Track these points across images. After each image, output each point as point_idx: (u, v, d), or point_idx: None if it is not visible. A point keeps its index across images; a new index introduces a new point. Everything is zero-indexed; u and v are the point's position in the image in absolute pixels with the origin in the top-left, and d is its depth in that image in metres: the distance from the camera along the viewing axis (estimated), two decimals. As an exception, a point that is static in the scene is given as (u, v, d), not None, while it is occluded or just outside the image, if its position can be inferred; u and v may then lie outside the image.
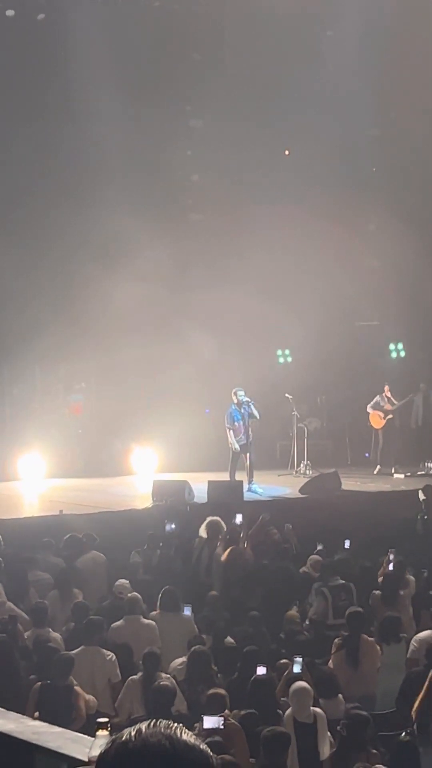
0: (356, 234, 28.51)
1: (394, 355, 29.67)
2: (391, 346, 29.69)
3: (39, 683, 10.69)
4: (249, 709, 9.89)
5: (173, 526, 17.13)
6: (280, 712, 10.13)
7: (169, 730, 2.36)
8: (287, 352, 30.16)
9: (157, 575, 15.11)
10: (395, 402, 25.96)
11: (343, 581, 14.61)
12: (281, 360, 30.17)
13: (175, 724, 2.40)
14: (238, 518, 16.92)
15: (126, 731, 2.40)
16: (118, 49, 26.35)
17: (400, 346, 29.59)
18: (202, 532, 16.61)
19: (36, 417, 26.03)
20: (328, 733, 9.89)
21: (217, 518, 16.73)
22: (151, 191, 27.69)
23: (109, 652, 11.67)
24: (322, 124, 27.10)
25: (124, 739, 2.37)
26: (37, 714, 9.74)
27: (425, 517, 19.17)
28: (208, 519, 16.77)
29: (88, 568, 15.32)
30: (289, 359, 30.04)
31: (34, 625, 12.60)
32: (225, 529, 16.51)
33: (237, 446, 22.22)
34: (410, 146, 28.19)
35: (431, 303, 29.26)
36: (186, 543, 16.62)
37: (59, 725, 5.02)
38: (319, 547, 16.47)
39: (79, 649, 11.57)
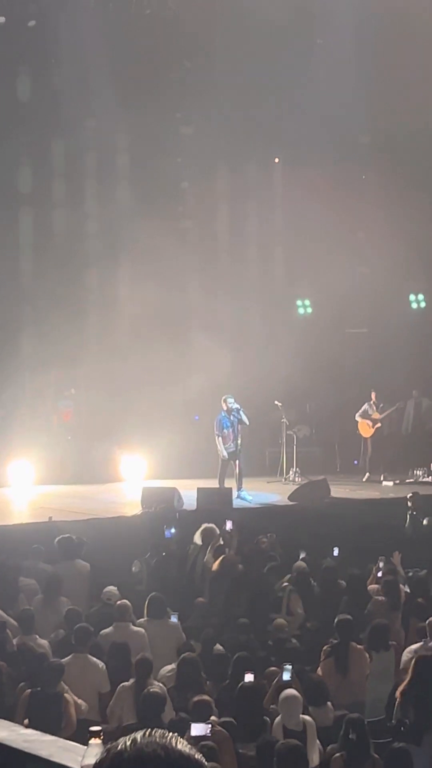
0: (346, 241, 28.56)
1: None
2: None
3: (29, 690, 10.68)
4: (236, 716, 9.89)
5: (173, 530, 17.13)
6: (267, 719, 10.14)
7: (164, 740, 2.37)
8: (281, 356, 30.19)
9: (152, 583, 15.09)
10: (384, 409, 25.98)
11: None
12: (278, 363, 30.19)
13: (171, 734, 2.41)
14: (228, 525, 16.91)
15: (121, 741, 2.41)
16: (108, 56, 26.36)
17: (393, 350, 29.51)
18: (197, 539, 16.61)
19: (25, 423, 25.98)
20: (318, 741, 9.90)
21: (212, 525, 16.74)
22: (144, 196, 27.71)
23: (98, 661, 11.66)
24: (312, 131, 27.13)
25: (119, 748, 2.38)
26: (26, 722, 9.73)
27: (414, 513, 19.28)
28: (204, 526, 16.78)
29: (71, 575, 15.27)
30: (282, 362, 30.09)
31: (21, 631, 12.59)
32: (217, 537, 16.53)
33: (225, 453, 22.24)
34: (400, 153, 28.23)
35: (423, 308, 29.34)
36: (180, 549, 16.61)
37: (49, 733, 5.02)
38: (303, 555, 16.50)
39: (69, 656, 11.57)
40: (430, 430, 27.46)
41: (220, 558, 15.74)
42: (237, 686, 10.41)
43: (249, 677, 10.36)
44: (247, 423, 22.36)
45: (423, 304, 30.03)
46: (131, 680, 10.85)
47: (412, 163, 27.88)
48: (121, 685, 10.93)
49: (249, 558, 16.26)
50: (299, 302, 30.36)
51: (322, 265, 27.77)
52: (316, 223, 27.59)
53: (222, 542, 16.45)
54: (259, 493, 23.06)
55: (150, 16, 27.00)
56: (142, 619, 13.15)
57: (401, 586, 14.82)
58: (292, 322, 29.67)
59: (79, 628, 11.92)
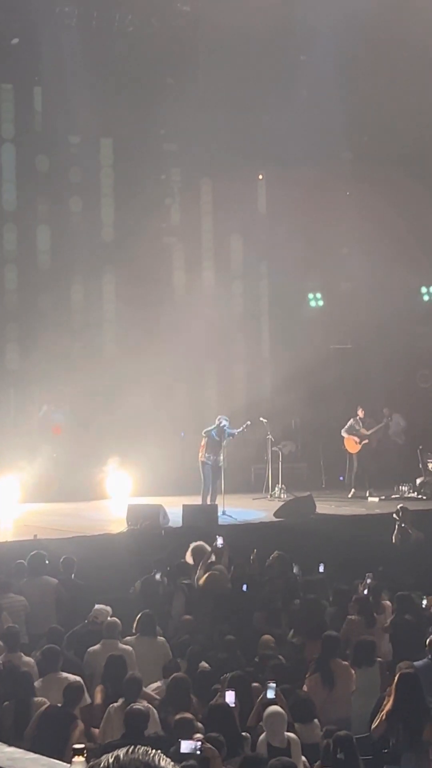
0: (330, 256, 28.61)
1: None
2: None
3: (47, 705, 10.69)
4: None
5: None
6: (248, 735, 10.10)
7: (147, 757, 2.35)
8: (265, 372, 30.23)
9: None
10: (371, 425, 25.99)
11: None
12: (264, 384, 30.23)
13: (153, 751, 2.39)
14: (219, 540, 16.85)
15: (104, 758, 2.39)
16: (91, 73, 26.44)
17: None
18: (188, 558, 16.57)
19: (10, 441, 25.87)
20: (303, 757, 9.86)
21: (202, 543, 16.70)
22: (128, 212, 27.78)
23: (74, 677, 11.55)
24: (296, 147, 27.21)
25: (102, 766, 2.36)
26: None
27: (402, 525, 19.30)
28: (193, 545, 16.74)
29: (37, 592, 15.20)
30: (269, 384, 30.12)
31: (6, 649, 12.53)
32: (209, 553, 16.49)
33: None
34: (383, 169, 28.34)
35: (405, 323, 29.36)
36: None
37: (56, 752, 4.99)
38: (295, 570, 16.50)
39: (44, 677, 11.57)
40: (403, 445, 27.46)
41: (207, 574, 15.69)
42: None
43: (230, 695, 10.31)
44: (235, 433, 22.56)
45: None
46: (120, 700, 10.77)
47: (395, 178, 28.00)
48: (111, 706, 10.86)
49: (239, 574, 16.20)
50: (291, 313, 30.33)
51: (308, 280, 27.79)
52: (301, 238, 27.63)
53: (213, 558, 16.41)
54: (244, 509, 23.03)
55: (133, 33, 27.06)
56: (130, 637, 13.10)
57: (386, 603, 14.79)
58: (278, 338, 29.69)
59: (47, 650, 11.91)
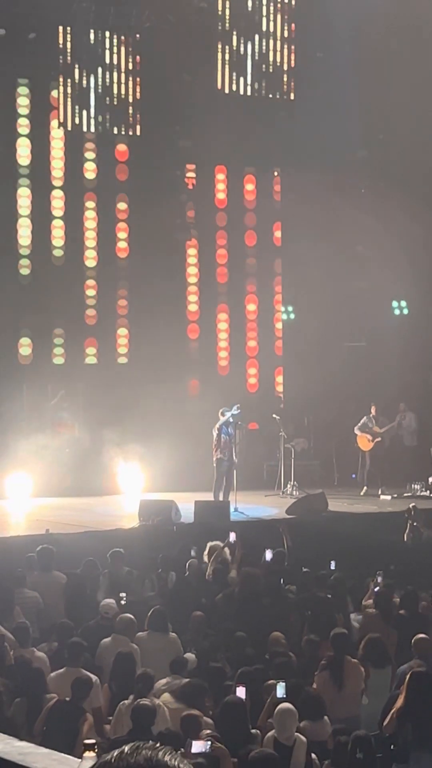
0: (344, 255, 28.59)
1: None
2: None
3: (56, 699, 10.72)
4: (222, 731, 9.86)
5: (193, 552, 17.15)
6: (258, 732, 10.11)
7: (150, 753, 2.36)
8: (279, 376, 30.22)
9: (170, 599, 15.02)
10: (384, 423, 25.98)
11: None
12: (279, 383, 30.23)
13: (159, 746, 2.40)
14: (232, 536, 16.89)
15: (111, 753, 2.41)
16: (108, 69, 26.47)
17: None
18: (206, 558, 16.65)
19: (23, 435, 25.90)
20: (314, 755, 9.88)
21: (218, 542, 16.75)
22: (142, 208, 27.79)
23: (91, 675, 11.58)
24: (311, 144, 27.22)
25: (106, 759, 2.38)
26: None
27: (414, 524, 19.31)
28: (210, 544, 16.80)
29: (47, 587, 15.24)
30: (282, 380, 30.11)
31: (18, 644, 12.55)
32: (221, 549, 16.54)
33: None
34: (398, 167, 28.33)
35: (422, 322, 29.34)
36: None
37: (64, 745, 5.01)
38: (305, 570, 16.56)
39: (62, 669, 11.57)
40: (409, 446, 27.34)
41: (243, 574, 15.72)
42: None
43: (241, 691, 10.33)
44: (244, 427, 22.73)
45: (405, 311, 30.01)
46: (131, 697, 10.78)
47: (409, 176, 28.01)
48: (122, 702, 10.87)
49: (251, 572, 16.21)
50: (305, 310, 30.32)
51: (322, 278, 27.76)
52: (315, 235, 27.63)
53: (229, 557, 16.45)
54: (256, 506, 23.05)
55: (149, 29, 27.06)
56: (142, 632, 13.11)
57: (396, 600, 14.80)
58: (292, 335, 29.69)
59: (72, 643, 11.90)
